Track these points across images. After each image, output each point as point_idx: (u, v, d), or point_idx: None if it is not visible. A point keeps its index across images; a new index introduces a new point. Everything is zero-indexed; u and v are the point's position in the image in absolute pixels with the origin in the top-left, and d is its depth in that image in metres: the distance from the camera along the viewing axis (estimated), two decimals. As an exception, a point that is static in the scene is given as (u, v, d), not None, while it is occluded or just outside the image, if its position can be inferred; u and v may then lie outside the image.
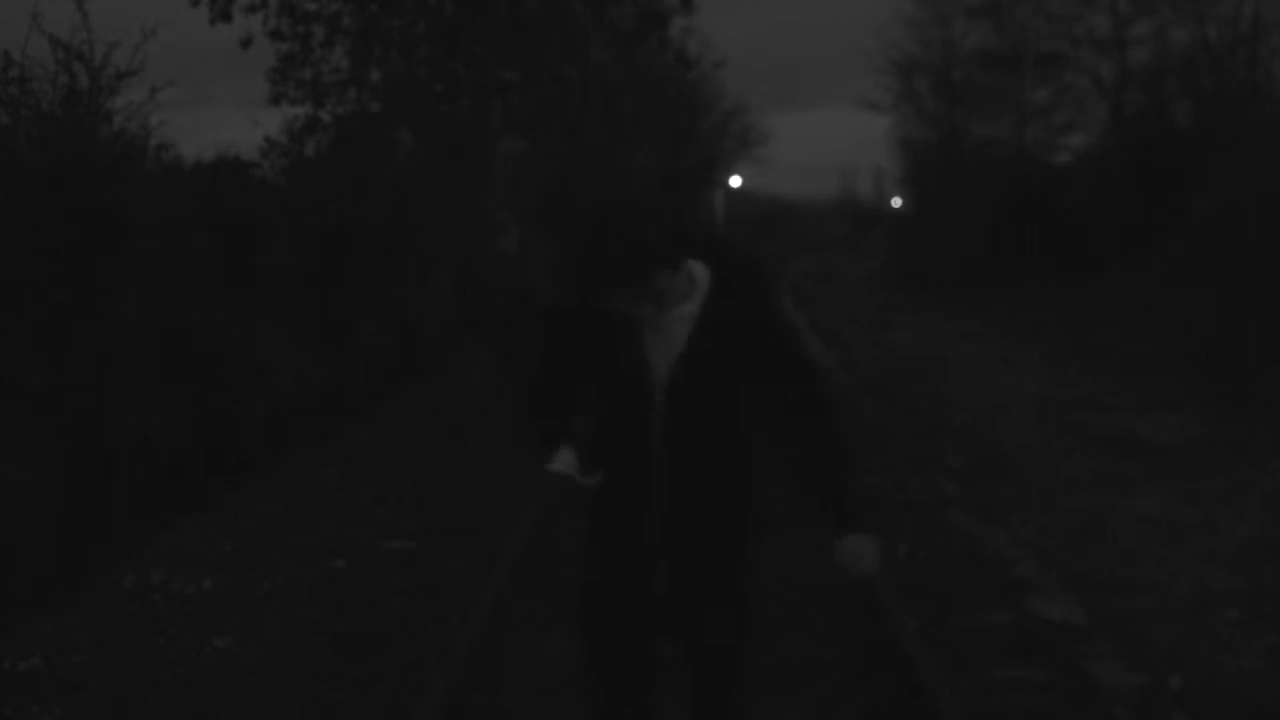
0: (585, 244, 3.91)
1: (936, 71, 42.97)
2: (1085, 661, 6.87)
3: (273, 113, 22.42)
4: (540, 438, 4.26)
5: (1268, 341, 15.11)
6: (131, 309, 10.57)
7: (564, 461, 4.19)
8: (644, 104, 38.02)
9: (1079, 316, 22.45)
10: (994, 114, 39.17)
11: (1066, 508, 10.40)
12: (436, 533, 9.94)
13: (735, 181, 73.59)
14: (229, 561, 9.29)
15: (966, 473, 11.78)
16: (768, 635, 6.58)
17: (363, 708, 6.51)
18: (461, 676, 6.47)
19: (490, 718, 6.37)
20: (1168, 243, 21.85)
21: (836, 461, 4.20)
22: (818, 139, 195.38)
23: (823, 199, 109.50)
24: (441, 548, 9.52)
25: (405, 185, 20.73)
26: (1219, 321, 16.73)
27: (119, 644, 7.52)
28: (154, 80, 11.82)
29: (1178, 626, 7.51)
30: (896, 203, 58.65)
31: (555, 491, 4.22)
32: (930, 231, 40.19)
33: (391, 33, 23.04)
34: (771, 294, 4.31)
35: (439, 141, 22.86)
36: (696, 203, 60.15)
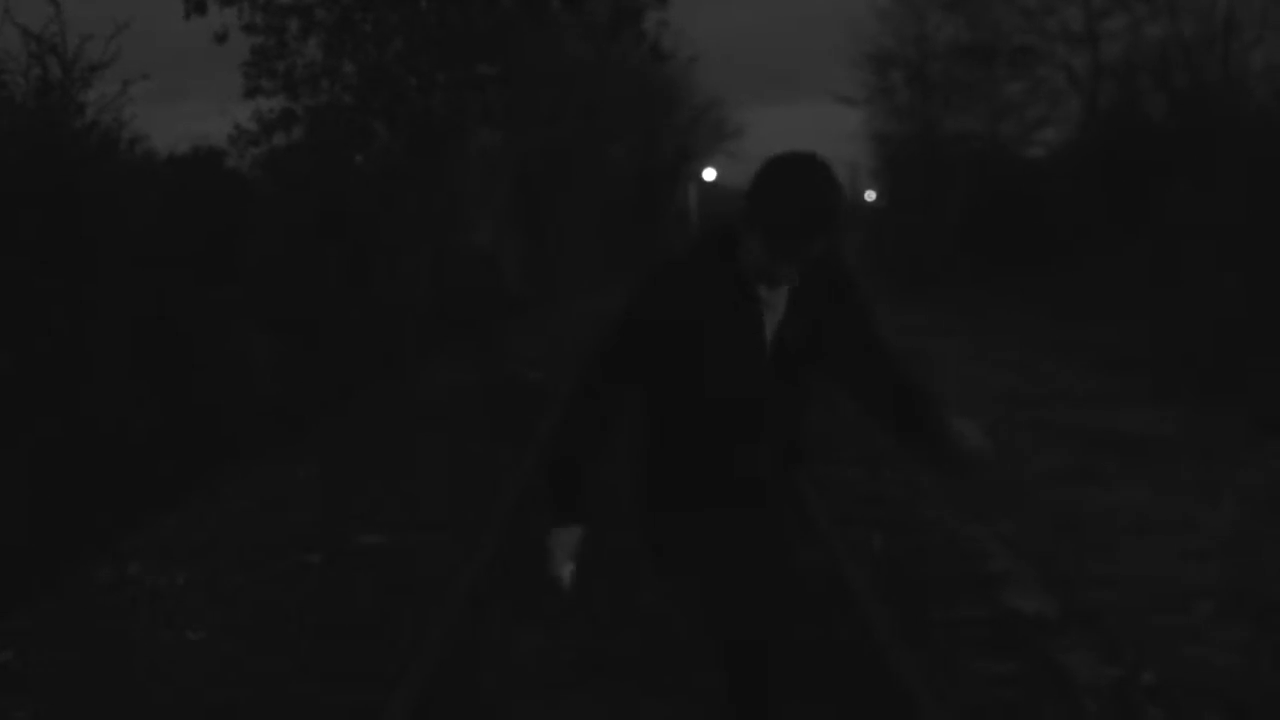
0: (798, 190, 3.79)
1: (910, 65, 43.07)
2: (1059, 655, 6.89)
3: (248, 106, 22.37)
4: (564, 470, 4.09)
5: (1241, 336, 15.16)
6: (104, 302, 10.52)
7: (567, 545, 4.08)
8: (619, 98, 38.02)
9: (1053, 311, 22.52)
10: (968, 108, 39.27)
11: (1041, 502, 10.42)
12: (411, 526, 9.92)
13: (709, 175, 73.64)
14: (204, 555, 9.27)
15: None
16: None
17: (337, 701, 6.49)
18: (435, 670, 6.46)
19: (464, 711, 6.36)
20: (1142, 238, 21.93)
21: (920, 388, 4.30)
22: (792, 133, 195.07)
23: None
24: (415, 542, 9.51)
25: (379, 178, 20.70)
26: (1193, 316, 16.79)
27: (94, 638, 7.50)
28: (128, 74, 11.79)
29: (1152, 620, 7.52)
30: (870, 197, 58.68)
31: (544, 561, 4.09)
32: (904, 226, 40.28)
33: (365, 25, 22.99)
34: (850, 271, 4.30)
35: (413, 134, 22.82)
36: (670, 195, 60.19)
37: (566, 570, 4.05)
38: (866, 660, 6.70)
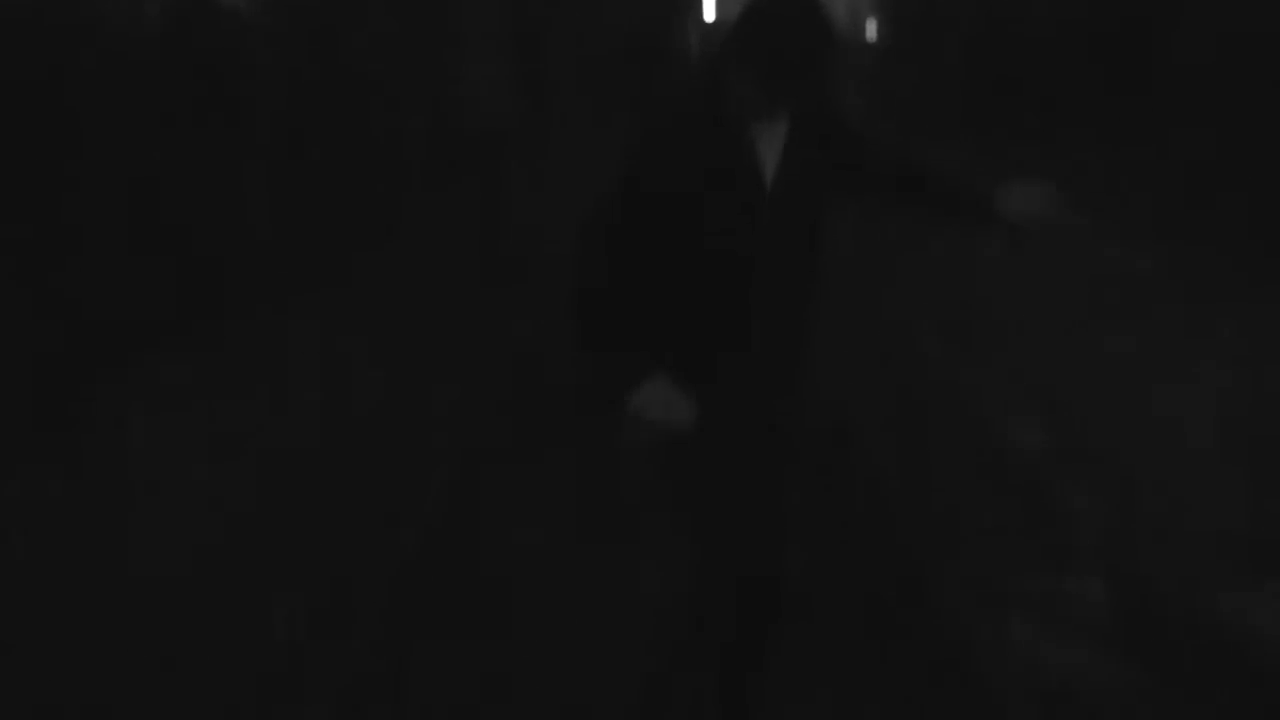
0: (790, 17, 3.57)
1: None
2: (1054, 485, 6.95)
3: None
4: (602, 332, 3.80)
5: (1237, 170, 15.06)
6: (97, 152, 10.44)
7: (656, 397, 3.70)
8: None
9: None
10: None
11: (1037, 340, 10.44)
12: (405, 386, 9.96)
13: (709, 14, 72.79)
14: (201, 406, 9.30)
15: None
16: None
17: (333, 537, 6.56)
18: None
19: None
20: (1145, 74, 21.70)
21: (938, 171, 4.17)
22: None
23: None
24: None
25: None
26: (1195, 147, 16.68)
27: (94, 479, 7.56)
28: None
29: (1148, 456, 7.57)
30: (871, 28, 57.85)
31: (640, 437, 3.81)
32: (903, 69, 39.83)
33: None
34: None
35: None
36: (669, 30, 59.55)
37: (683, 409, 3.72)
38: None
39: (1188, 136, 15.94)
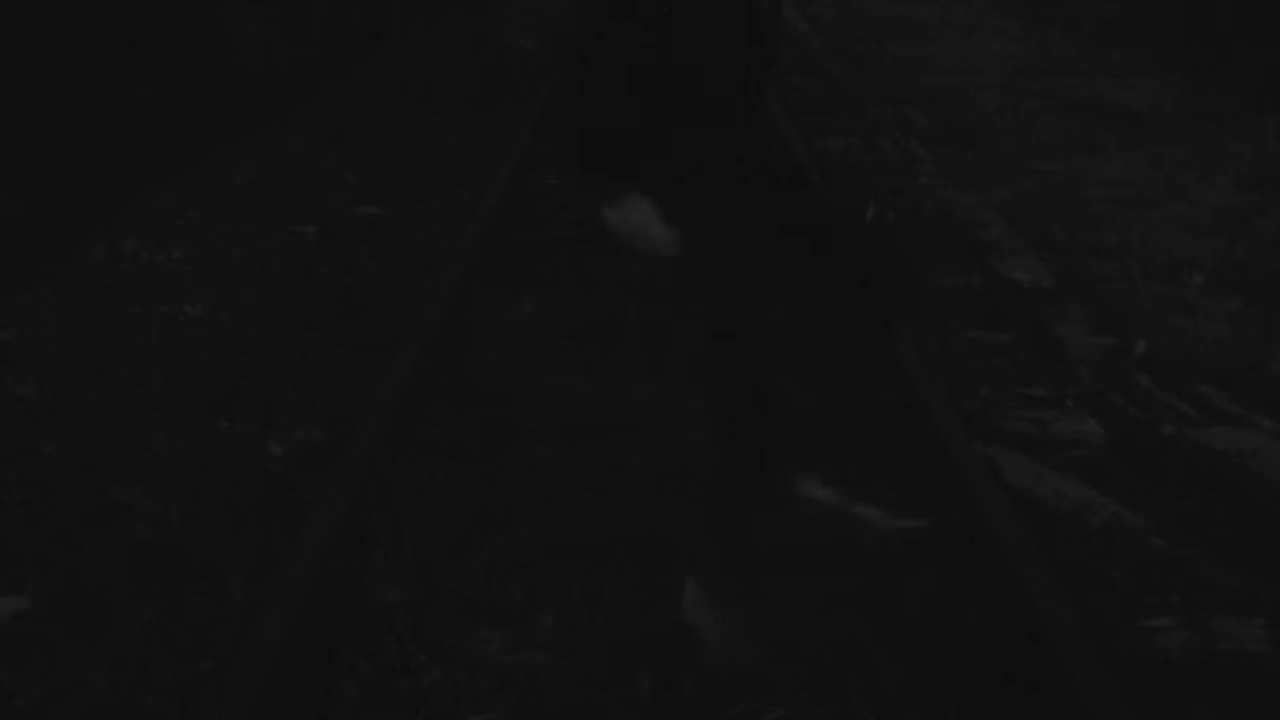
0: None
1: None
2: (1052, 324, 6.95)
3: None
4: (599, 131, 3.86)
5: (1247, 11, 14.91)
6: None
7: (631, 217, 3.85)
8: None
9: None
10: None
11: (1037, 172, 10.39)
12: (407, 199, 9.90)
13: None
14: (199, 230, 9.27)
15: (937, 136, 11.72)
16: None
17: (336, 369, 6.57)
18: (433, 337, 6.50)
19: (462, 376, 6.43)
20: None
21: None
22: None
23: None
24: (412, 213, 9.50)
25: None
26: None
27: (92, 314, 7.55)
28: None
29: (1144, 291, 7.57)
30: None
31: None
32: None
33: None
34: None
35: None
36: None
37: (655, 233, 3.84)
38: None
39: None
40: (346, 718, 3.86)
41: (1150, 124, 11.98)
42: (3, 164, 9.02)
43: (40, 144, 9.45)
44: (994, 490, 4.72)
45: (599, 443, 5.61)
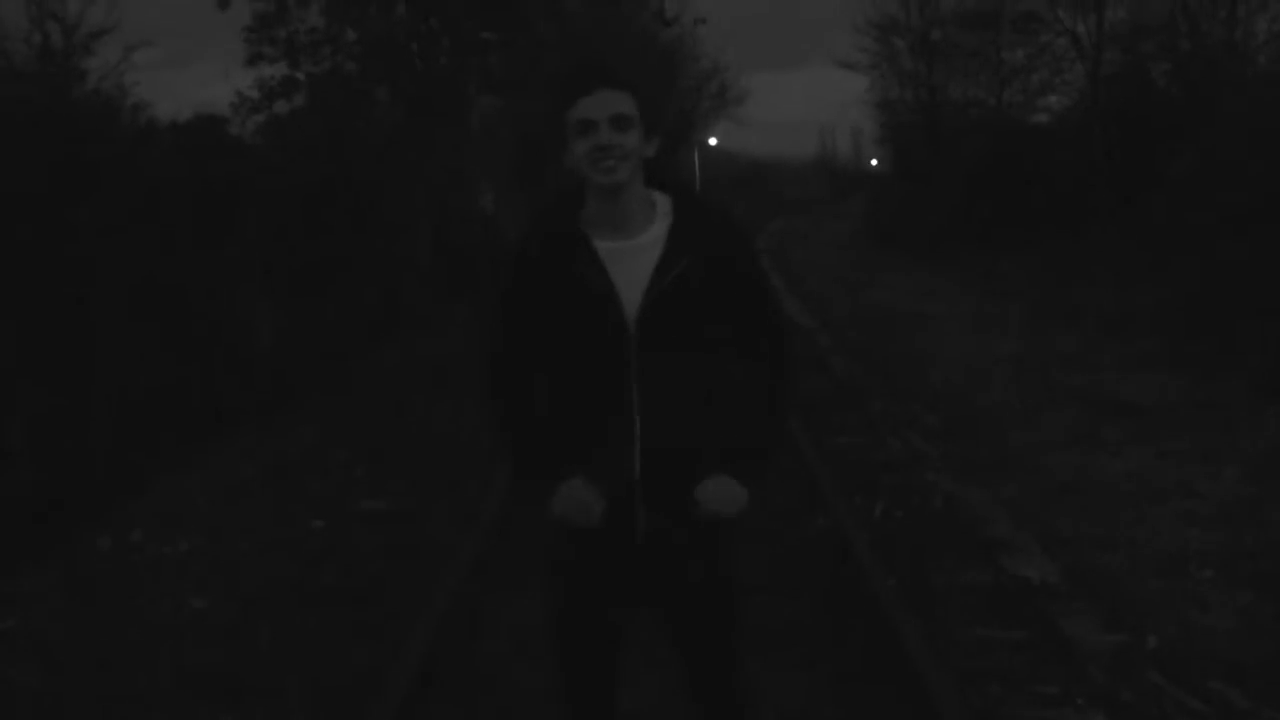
0: (574, 52, 3.85)
1: (915, 32, 42.87)
2: (1061, 621, 6.90)
3: (251, 74, 22.32)
4: (512, 430, 4.07)
5: (1247, 301, 15.14)
6: (105, 266, 10.52)
7: (573, 499, 3.94)
8: (621, 62, 37.93)
9: (1058, 276, 22.47)
10: (972, 74, 39.10)
11: (1043, 466, 10.42)
12: (414, 493, 9.93)
13: (712, 141, 73.48)
14: (206, 521, 9.29)
15: (943, 432, 11.79)
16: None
17: (341, 667, 6.51)
18: (438, 635, 6.47)
19: (467, 676, 6.37)
20: (1147, 202, 21.88)
21: (762, 410, 4.11)
22: (795, 98, 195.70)
23: (800, 158, 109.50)
24: (418, 507, 9.52)
25: (382, 144, 20.66)
26: (1198, 281, 16.77)
27: (97, 605, 7.52)
28: (131, 39, 11.78)
29: (1155, 586, 7.53)
30: (874, 163, 58.51)
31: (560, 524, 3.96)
32: (908, 192, 40.18)
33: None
34: (742, 232, 4.11)
35: (415, 100, 22.78)
36: (673, 161, 60.00)
37: (597, 508, 3.93)
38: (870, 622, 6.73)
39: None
40: None
41: (1155, 416, 12.06)
42: (10, 447, 9.10)
43: (47, 427, 9.54)
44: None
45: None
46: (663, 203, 4.02)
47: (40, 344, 9.50)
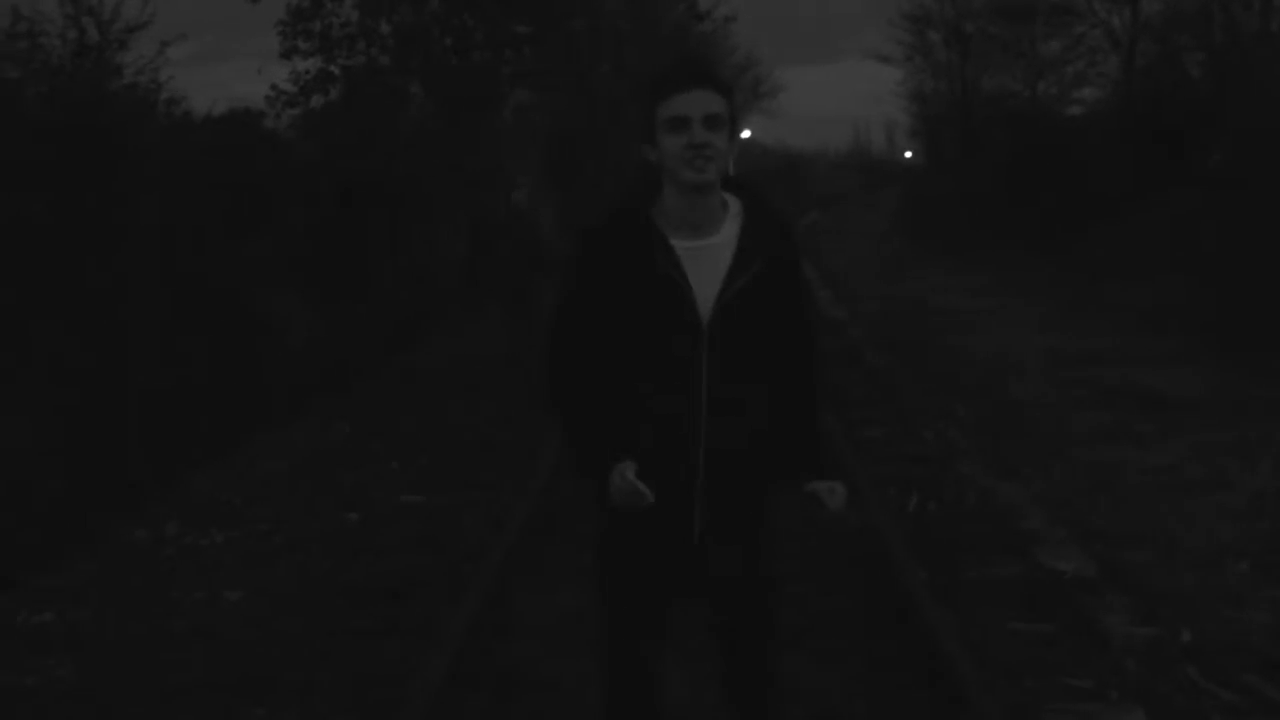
0: (677, 64, 3.94)
1: (949, 24, 42.73)
2: (1095, 614, 6.88)
3: (286, 67, 22.35)
4: (575, 416, 4.07)
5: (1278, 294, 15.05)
6: (141, 265, 10.57)
7: (622, 485, 3.90)
8: (655, 57, 37.89)
9: (1092, 269, 22.37)
10: (1006, 67, 38.99)
11: (1077, 460, 10.39)
12: (449, 488, 9.95)
13: (746, 134, 73.40)
14: (241, 515, 9.32)
15: (977, 426, 11.76)
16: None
17: (375, 660, 6.53)
18: (472, 630, 6.48)
19: (500, 672, 6.37)
20: (1181, 195, 21.76)
21: (813, 412, 4.20)
22: (830, 92, 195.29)
23: (834, 151, 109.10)
24: (454, 502, 9.53)
25: (416, 139, 20.69)
26: (1233, 273, 16.67)
27: (132, 598, 7.56)
28: (166, 34, 11.82)
29: (1189, 579, 7.50)
30: (909, 155, 58.34)
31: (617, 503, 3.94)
32: (942, 184, 40.05)
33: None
34: (795, 236, 4.19)
35: (449, 95, 22.80)
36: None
37: (649, 494, 3.88)
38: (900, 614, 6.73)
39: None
40: None
41: (1189, 410, 12.01)
42: (48, 445, 9.15)
43: (85, 424, 9.59)
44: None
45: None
46: (734, 204, 4.07)
47: (74, 340, 9.54)
